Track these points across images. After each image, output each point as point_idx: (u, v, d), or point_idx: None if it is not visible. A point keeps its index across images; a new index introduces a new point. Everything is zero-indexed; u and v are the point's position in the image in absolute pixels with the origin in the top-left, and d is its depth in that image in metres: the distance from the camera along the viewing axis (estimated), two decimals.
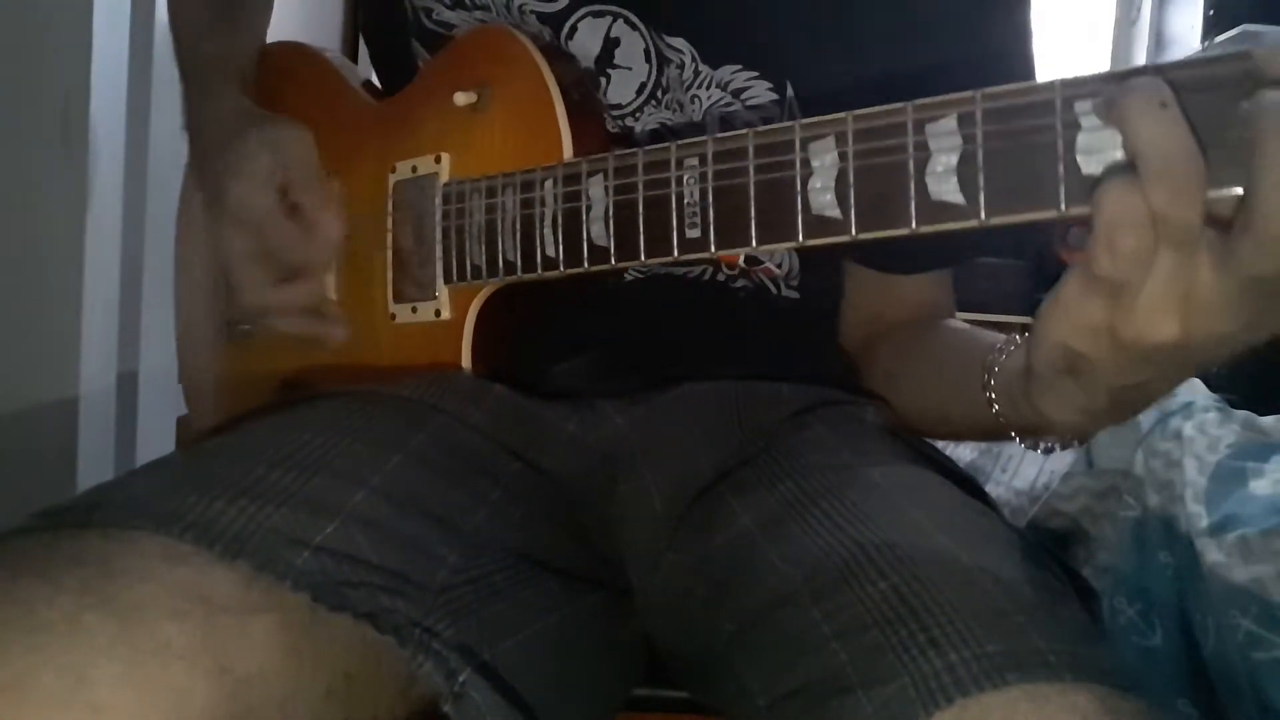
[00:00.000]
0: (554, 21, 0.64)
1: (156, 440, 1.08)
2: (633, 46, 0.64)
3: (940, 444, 0.67)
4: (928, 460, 0.58)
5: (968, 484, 0.56)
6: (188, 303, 0.86)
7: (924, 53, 0.61)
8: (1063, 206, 0.37)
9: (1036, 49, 0.65)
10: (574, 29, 0.64)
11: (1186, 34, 2.42)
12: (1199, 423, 0.94)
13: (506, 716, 0.43)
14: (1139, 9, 2.76)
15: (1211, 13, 2.25)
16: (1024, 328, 0.45)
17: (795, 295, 0.70)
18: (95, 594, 0.35)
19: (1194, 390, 1.02)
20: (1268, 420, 0.95)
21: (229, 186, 0.64)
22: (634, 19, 0.63)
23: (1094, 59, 2.86)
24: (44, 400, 0.96)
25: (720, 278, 0.67)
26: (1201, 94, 0.35)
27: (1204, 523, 0.87)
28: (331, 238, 0.65)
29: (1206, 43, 2.25)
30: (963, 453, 1.21)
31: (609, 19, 0.64)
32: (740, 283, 0.68)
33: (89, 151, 0.97)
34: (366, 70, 0.80)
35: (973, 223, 0.40)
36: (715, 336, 0.67)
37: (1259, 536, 0.82)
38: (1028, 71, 0.64)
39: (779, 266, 0.68)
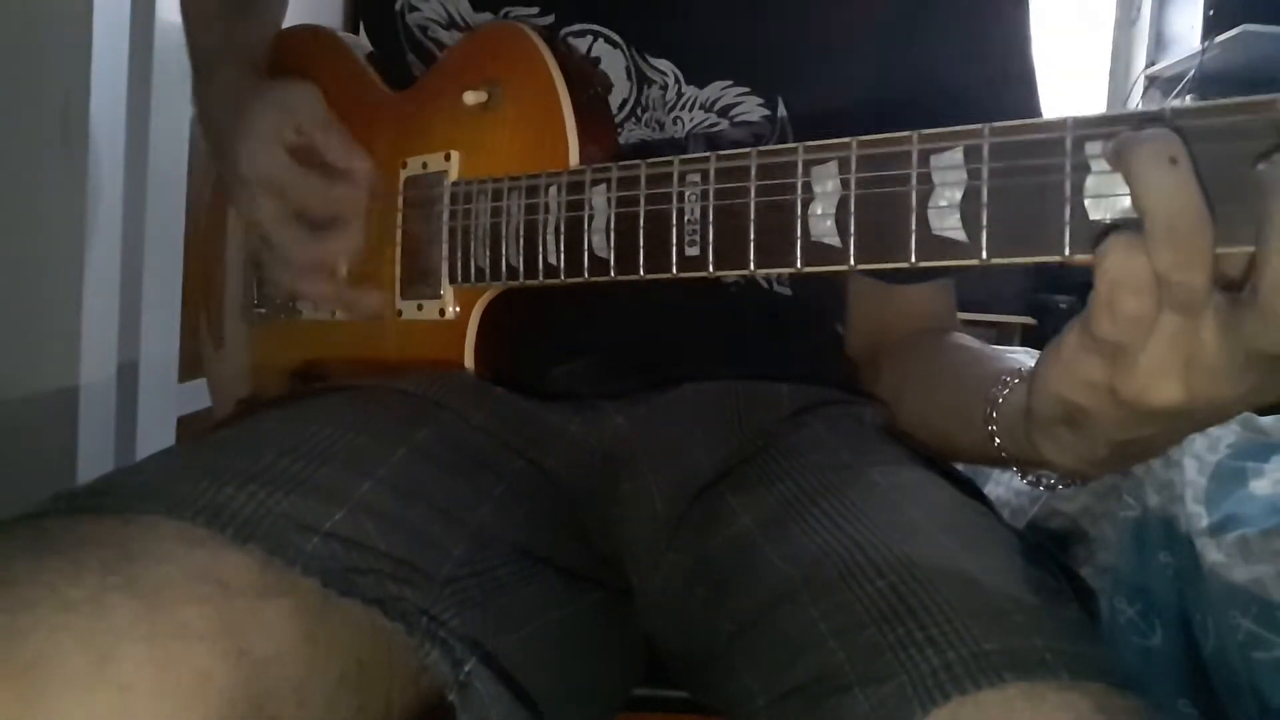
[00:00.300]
0: None
1: (156, 432, 1.08)
2: (614, 64, 0.64)
3: None
4: (926, 461, 0.58)
5: (965, 485, 0.56)
6: (205, 283, 0.85)
7: (920, 67, 0.61)
8: (1067, 252, 0.36)
9: (1036, 54, 0.64)
10: None
11: (1186, 34, 2.42)
12: None
13: (509, 708, 0.43)
14: (1139, 9, 2.76)
15: (1211, 13, 2.25)
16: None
17: (787, 292, 0.70)
18: (118, 575, 0.35)
19: None
20: (1267, 420, 0.94)
21: (241, 153, 0.63)
22: (614, 37, 0.64)
23: (1094, 59, 2.86)
24: (44, 392, 0.96)
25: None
26: (1218, 144, 0.33)
27: (1204, 523, 0.87)
28: (361, 175, 0.64)
29: (1206, 43, 2.25)
30: None
31: (590, 38, 0.64)
32: (731, 277, 0.68)
33: (89, 151, 0.97)
34: None
35: (973, 261, 0.39)
36: (710, 333, 0.67)
37: (1259, 536, 0.82)
38: (1028, 86, 0.64)
39: None
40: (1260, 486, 0.87)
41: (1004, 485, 1.10)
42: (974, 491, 0.56)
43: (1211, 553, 0.85)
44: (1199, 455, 0.92)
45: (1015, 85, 0.63)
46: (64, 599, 0.34)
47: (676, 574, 0.57)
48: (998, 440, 0.50)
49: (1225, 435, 0.92)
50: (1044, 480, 0.50)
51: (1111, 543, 0.98)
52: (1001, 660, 0.36)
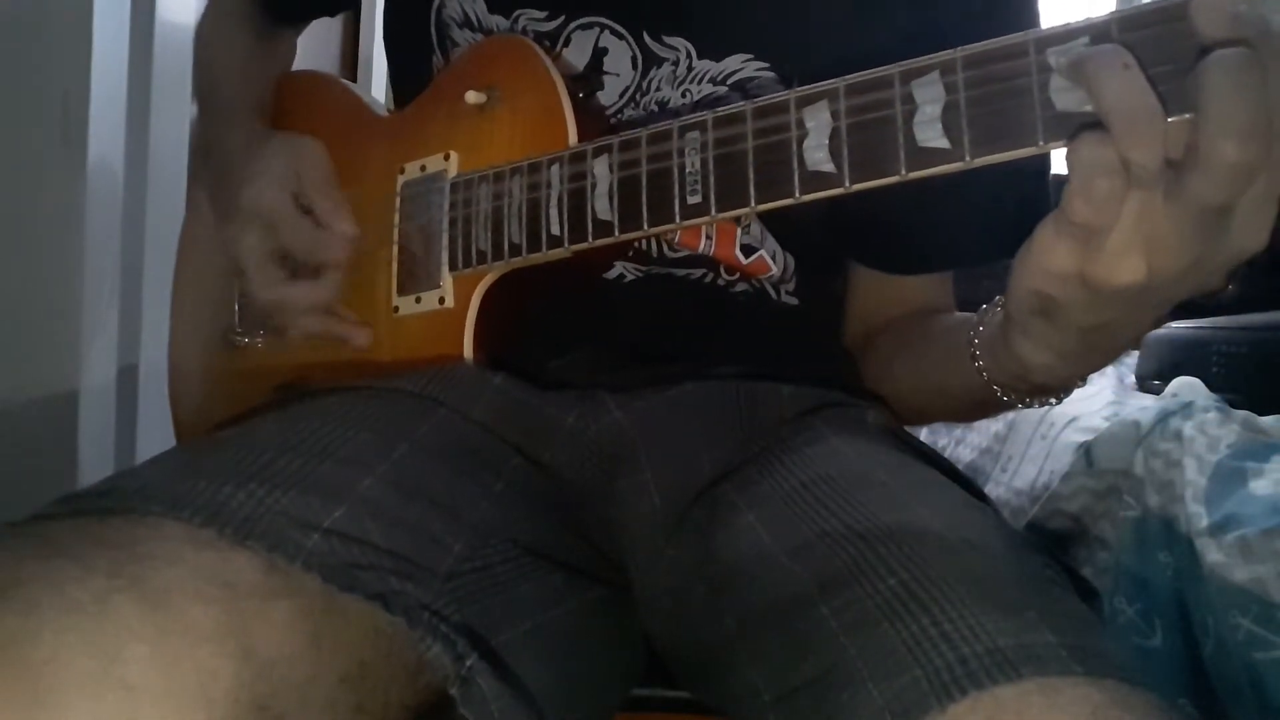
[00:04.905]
0: (550, 38, 0.66)
1: (156, 434, 1.08)
2: (619, 54, 0.66)
3: (939, 446, 0.68)
4: (929, 460, 0.58)
5: (968, 484, 0.56)
6: (184, 316, 0.87)
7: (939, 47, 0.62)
8: (1041, 142, 0.40)
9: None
10: (568, 40, 0.66)
11: None
12: (1199, 423, 0.94)
13: (510, 704, 0.43)
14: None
15: None
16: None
17: (794, 301, 0.70)
18: (125, 576, 0.35)
19: (1194, 390, 1.02)
20: (1268, 420, 0.95)
21: (245, 188, 0.66)
22: (619, 28, 0.65)
23: None
24: (45, 394, 0.96)
25: (720, 282, 0.68)
26: (1153, 35, 0.39)
27: (1204, 523, 0.87)
28: (345, 236, 0.67)
29: None
30: (962, 453, 1.21)
31: (596, 30, 0.66)
32: (740, 287, 0.68)
33: (89, 151, 0.97)
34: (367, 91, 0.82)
35: (958, 165, 0.43)
36: (715, 338, 0.67)
37: (1259, 536, 0.82)
38: None
39: (774, 259, 0.68)
40: (1260, 486, 0.87)
41: (1004, 485, 1.10)
42: (976, 491, 0.56)
43: (1211, 553, 0.85)
44: (1199, 455, 0.92)
45: None
46: (72, 600, 0.34)
47: (677, 571, 0.57)
48: (980, 363, 0.53)
49: (1225, 435, 0.92)
50: (1024, 401, 0.54)
51: (1112, 543, 0.98)
52: (1017, 655, 0.37)
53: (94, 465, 0.99)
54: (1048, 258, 0.42)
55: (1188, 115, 0.37)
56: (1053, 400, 0.54)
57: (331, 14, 0.89)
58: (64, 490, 0.42)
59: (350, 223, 0.67)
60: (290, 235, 0.67)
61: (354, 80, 1.61)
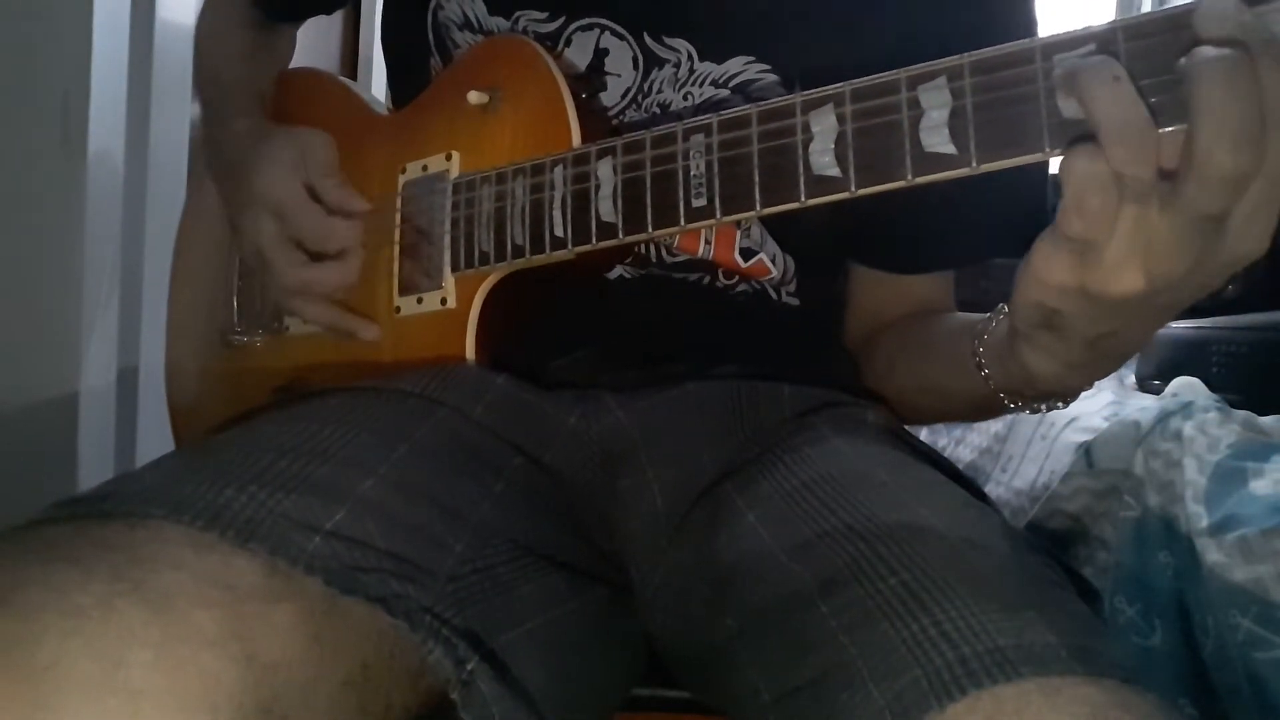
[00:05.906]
0: (551, 39, 0.66)
1: (157, 436, 1.08)
2: (621, 54, 0.65)
3: (940, 445, 0.68)
4: (929, 460, 0.58)
5: (968, 484, 0.56)
6: (181, 316, 0.87)
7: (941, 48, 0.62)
8: (1047, 148, 0.41)
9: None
10: (569, 41, 0.66)
11: None
12: (1199, 423, 0.93)
13: (511, 707, 0.43)
14: (1139, 9, 2.77)
15: None
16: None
17: (795, 302, 0.70)
18: (126, 580, 0.35)
19: (1194, 390, 1.02)
20: (1268, 420, 0.94)
21: (255, 177, 0.67)
22: (620, 29, 0.65)
23: None
24: (44, 396, 0.96)
25: (719, 284, 0.68)
26: (1149, 46, 0.39)
27: (1204, 523, 0.86)
28: (354, 213, 0.68)
29: None
30: (962, 453, 1.21)
31: (596, 31, 0.66)
32: (740, 287, 0.68)
33: (89, 151, 0.97)
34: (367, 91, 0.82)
35: (964, 170, 0.43)
36: (716, 338, 0.67)
37: (1259, 536, 0.81)
38: None
39: (774, 262, 0.68)
40: (1260, 486, 0.86)
41: (1004, 485, 1.10)
42: (977, 491, 0.56)
43: (1211, 553, 0.85)
44: (1199, 455, 0.92)
45: None
46: (74, 605, 0.34)
47: (678, 571, 0.57)
48: (985, 371, 0.54)
49: (1225, 435, 0.91)
50: (1030, 406, 0.55)
51: (1112, 543, 0.98)
52: (1017, 655, 0.37)
53: (94, 467, 0.99)
54: (1047, 272, 0.42)
55: (1185, 125, 0.38)
56: (1060, 405, 0.54)
57: (328, 12, 0.89)
58: (64, 493, 0.41)
59: (356, 201, 0.68)
60: (300, 223, 0.67)
61: (354, 80, 1.61)
